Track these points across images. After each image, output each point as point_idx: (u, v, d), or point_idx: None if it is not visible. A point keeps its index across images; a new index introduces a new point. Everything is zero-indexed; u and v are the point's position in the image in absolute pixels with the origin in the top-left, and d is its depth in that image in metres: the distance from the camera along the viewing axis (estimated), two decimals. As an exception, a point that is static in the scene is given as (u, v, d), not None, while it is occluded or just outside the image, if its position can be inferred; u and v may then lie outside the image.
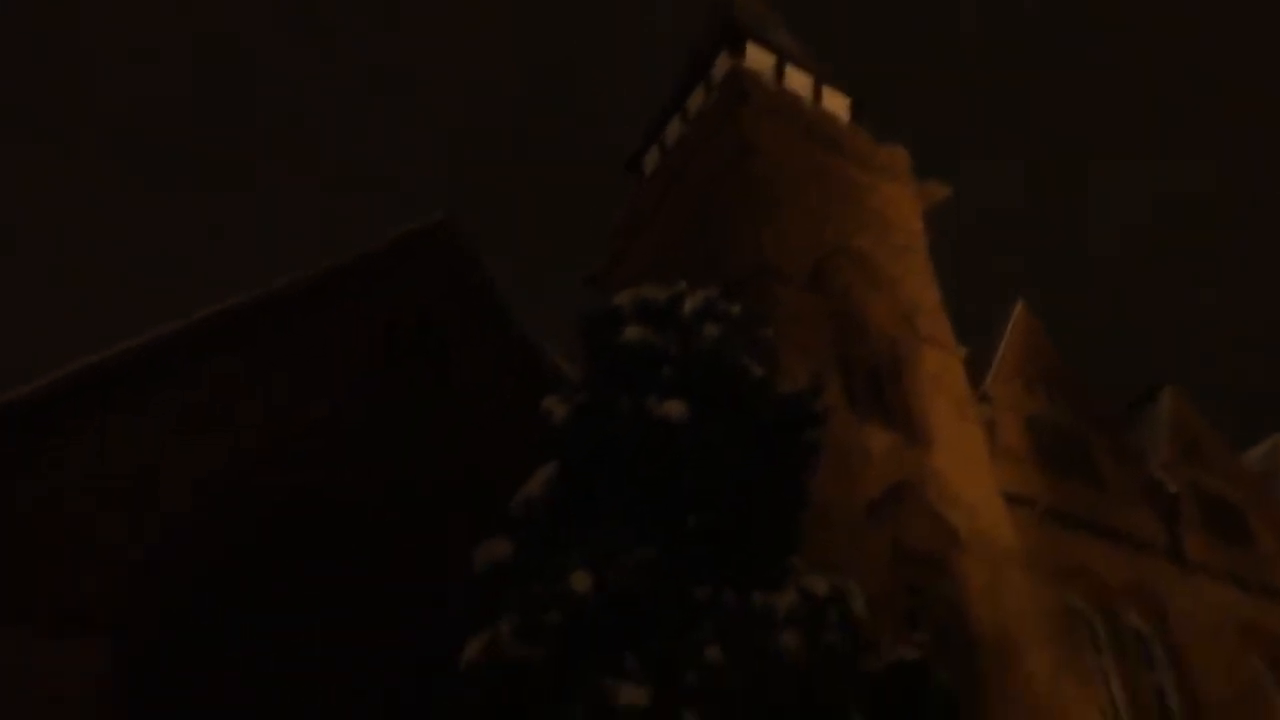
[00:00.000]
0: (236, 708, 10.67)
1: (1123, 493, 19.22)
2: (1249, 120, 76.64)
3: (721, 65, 21.58)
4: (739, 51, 21.34)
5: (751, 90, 19.65)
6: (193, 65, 76.50)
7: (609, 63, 79.10)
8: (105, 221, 69.30)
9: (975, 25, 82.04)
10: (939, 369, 17.44)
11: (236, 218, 72.51)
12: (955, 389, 17.44)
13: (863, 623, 10.32)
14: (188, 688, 10.53)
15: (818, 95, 22.11)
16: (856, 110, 22.71)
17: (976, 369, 19.08)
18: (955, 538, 14.87)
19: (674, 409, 10.67)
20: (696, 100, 22.40)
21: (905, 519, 14.59)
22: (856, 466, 14.64)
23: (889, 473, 14.97)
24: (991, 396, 18.52)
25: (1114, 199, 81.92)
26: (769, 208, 17.70)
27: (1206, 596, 18.70)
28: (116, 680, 10.21)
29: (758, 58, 21.50)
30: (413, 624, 11.96)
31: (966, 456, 16.33)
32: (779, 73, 21.68)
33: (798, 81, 21.93)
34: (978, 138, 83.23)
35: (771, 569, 10.52)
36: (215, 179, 75.29)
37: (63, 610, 10.36)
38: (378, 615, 12.04)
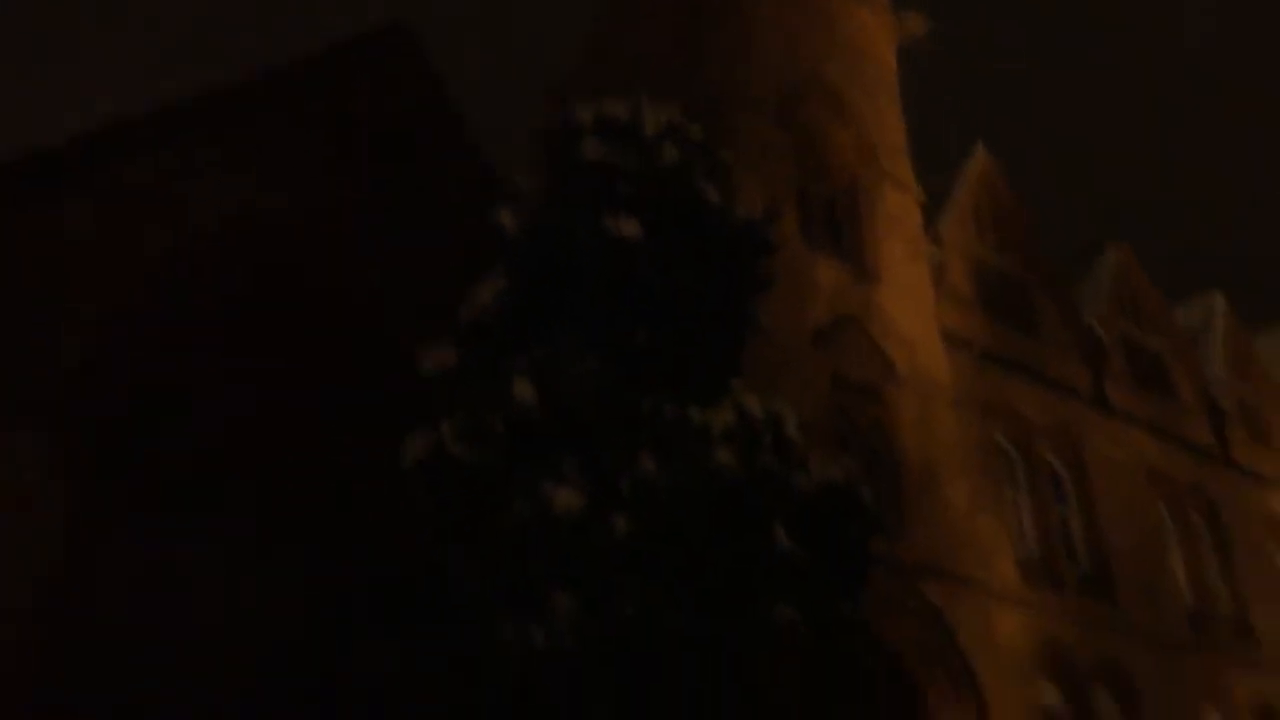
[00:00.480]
0: (187, 497, 10.90)
1: (1057, 340, 19.82)
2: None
3: None
4: None
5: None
6: None
7: None
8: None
9: None
10: (896, 208, 17.49)
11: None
12: (909, 229, 17.55)
13: (795, 444, 10.73)
14: (137, 478, 10.68)
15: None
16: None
17: (932, 209, 19.15)
18: (893, 371, 15.33)
19: (629, 227, 10.65)
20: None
21: (847, 350, 14.97)
22: (805, 296, 14.87)
23: (836, 305, 15.24)
24: (943, 238, 18.69)
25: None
26: (742, 28, 17.17)
27: (1122, 442, 19.66)
28: (66, 472, 10.30)
29: None
30: (357, 428, 12.17)
31: (912, 295, 16.63)
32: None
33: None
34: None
35: (712, 388, 10.81)
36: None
37: (10, 402, 10.30)
38: (323, 414, 12.22)
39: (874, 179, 17.42)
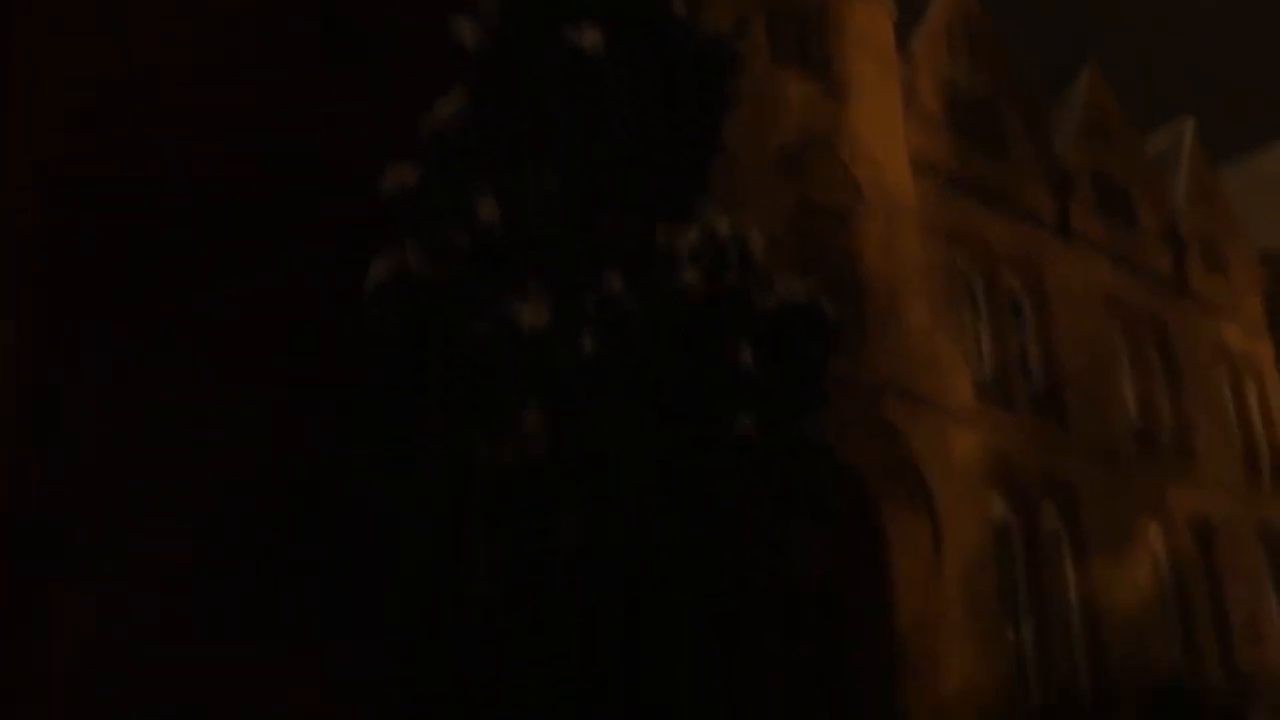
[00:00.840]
0: (151, 319, 10.77)
1: (1025, 166, 19.74)
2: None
3: None
4: None
5: None
6: None
7: None
8: None
9: None
10: (867, 24, 16.96)
11: None
12: (880, 47, 17.08)
13: (760, 263, 10.76)
14: (99, 297, 10.51)
15: None
16: None
17: (904, 27, 18.64)
18: (859, 194, 15.25)
19: (590, 38, 10.29)
20: None
21: (814, 171, 14.83)
22: (772, 114, 14.59)
23: (804, 124, 14.98)
24: (914, 57, 18.25)
25: None
26: None
27: (1082, 269, 19.92)
28: (27, 286, 10.13)
29: None
30: (321, 251, 12.00)
31: (882, 116, 16.37)
32: None
33: None
34: None
35: (678, 207, 10.74)
36: None
37: None
38: (285, 237, 12.01)
39: (846, -6, 16.84)
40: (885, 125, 16.34)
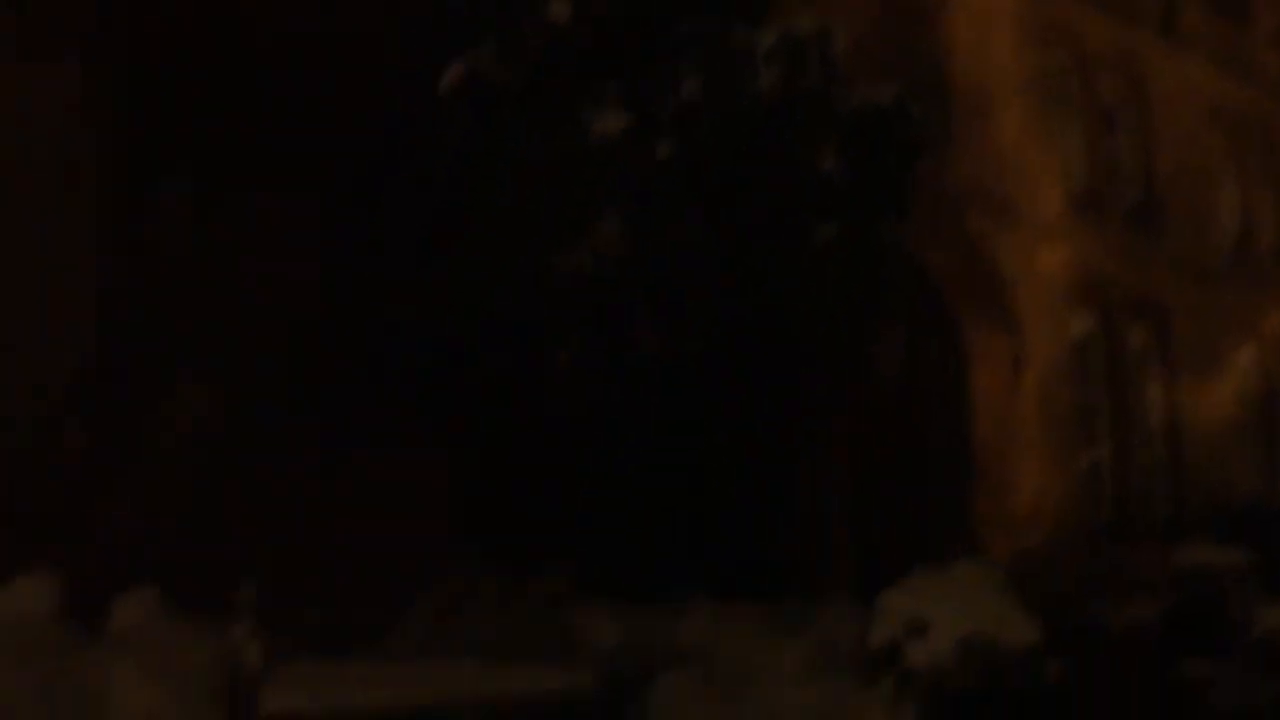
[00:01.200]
0: (218, 139, 10.84)
1: (1130, -39, 18.37)
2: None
3: None
4: None
5: None
6: None
7: None
8: None
9: None
10: None
11: None
12: None
13: (842, 65, 10.37)
14: (166, 123, 10.56)
15: None
16: None
17: None
18: (948, -11, 14.46)
19: None
20: None
21: (900, -34, 14.04)
22: (855, -94, 13.69)
23: (889, -84, 14.07)
24: None
25: None
26: None
27: (1186, 73, 18.72)
28: (91, 105, 10.21)
29: None
30: (391, 54, 11.81)
31: (975, -98, 15.24)
32: None
33: None
34: None
35: (756, 6, 10.33)
36: None
37: (40, 34, 10.00)
38: (351, 50, 11.85)
39: None
40: (979, -89, 15.23)
